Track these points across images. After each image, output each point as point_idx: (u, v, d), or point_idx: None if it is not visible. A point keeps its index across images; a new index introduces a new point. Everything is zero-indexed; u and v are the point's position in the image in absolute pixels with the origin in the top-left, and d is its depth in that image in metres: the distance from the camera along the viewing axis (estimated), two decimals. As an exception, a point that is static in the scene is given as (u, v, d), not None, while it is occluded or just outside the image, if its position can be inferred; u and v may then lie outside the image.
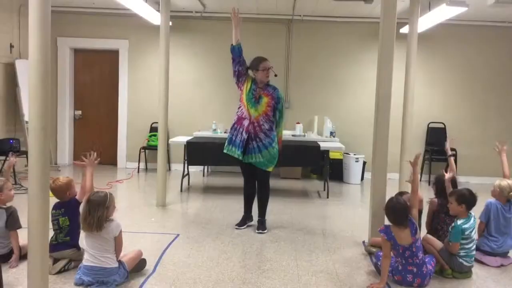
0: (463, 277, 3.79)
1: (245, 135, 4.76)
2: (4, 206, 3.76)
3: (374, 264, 3.91)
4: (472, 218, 3.87)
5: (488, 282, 3.76)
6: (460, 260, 3.79)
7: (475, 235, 3.88)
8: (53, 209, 3.63)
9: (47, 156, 2.88)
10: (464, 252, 3.79)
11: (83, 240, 3.43)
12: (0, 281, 3.10)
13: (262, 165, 4.83)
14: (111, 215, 3.44)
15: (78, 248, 3.72)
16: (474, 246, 3.88)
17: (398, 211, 3.53)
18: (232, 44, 4.81)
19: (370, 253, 4.27)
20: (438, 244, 3.92)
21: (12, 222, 3.71)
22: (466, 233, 3.78)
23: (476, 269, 3.96)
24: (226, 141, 4.93)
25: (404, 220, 3.53)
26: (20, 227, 3.74)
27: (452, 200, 3.89)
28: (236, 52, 4.80)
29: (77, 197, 3.70)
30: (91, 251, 3.35)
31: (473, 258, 3.87)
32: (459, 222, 3.80)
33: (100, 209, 3.33)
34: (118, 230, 3.42)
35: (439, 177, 4.33)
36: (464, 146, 8.26)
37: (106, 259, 3.35)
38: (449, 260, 3.81)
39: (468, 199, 3.84)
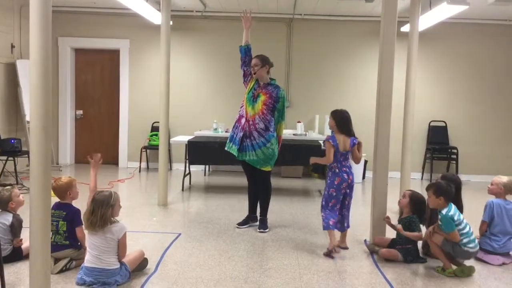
0: (466, 275, 3.78)
1: (241, 133, 4.79)
2: (13, 212, 3.77)
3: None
4: (452, 205, 3.83)
5: (490, 280, 3.76)
6: (466, 248, 3.76)
7: (464, 219, 3.83)
8: (54, 208, 3.61)
9: (48, 156, 2.88)
10: (466, 238, 3.76)
11: (87, 241, 3.44)
12: (3, 281, 3.10)
13: (256, 163, 4.82)
14: (116, 214, 3.46)
15: (78, 247, 3.72)
16: (471, 230, 3.83)
17: (347, 119, 4.32)
18: (240, 45, 4.92)
19: (372, 252, 4.27)
20: (440, 238, 3.87)
21: (16, 231, 3.73)
22: (455, 218, 3.75)
23: (478, 268, 3.96)
24: (228, 139, 4.96)
25: (350, 130, 4.31)
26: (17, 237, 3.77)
27: (430, 193, 3.87)
28: (242, 53, 4.93)
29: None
30: (94, 252, 3.35)
31: (476, 242, 3.83)
32: (444, 212, 3.77)
33: (103, 207, 3.35)
34: (122, 233, 3.43)
35: (445, 176, 4.32)
36: (465, 144, 8.26)
37: (108, 260, 3.36)
38: (454, 251, 3.78)
39: (445, 191, 3.82)
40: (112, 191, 3.49)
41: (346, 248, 4.39)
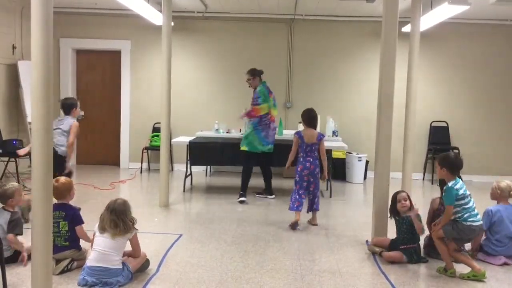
0: (479, 278, 3.72)
1: None
2: (11, 210, 3.76)
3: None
4: (460, 180, 3.80)
5: (491, 281, 3.74)
6: (468, 223, 3.71)
7: (470, 196, 3.79)
8: (53, 209, 3.59)
9: (50, 157, 2.88)
10: (467, 213, 3.72)
11: (95, 239, 3.47)
12: (4, 281, 3.11)
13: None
14: None
15: (79, 248, 3.74)
16: (474, 205, 3.79)
17: (313, 116, 5.20)
18: None
19: (373, 253, 4.27)
20: (441, 231, 3.83)
21: (14, 226, 3.69)
22: (460, 192, 3.72)
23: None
24: None
25: (315, 124, 5.23)
26: (20, 233, 3.73)
27: (436, 164, 3.90)
28: None
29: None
30: (102, 249, 3.37)
31: (478, 216, 3.78)
32: (450, 184, 3.75)
33: (130, 212, 3.54)
34: (134, 232, 3.55)
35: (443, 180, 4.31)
36: (466, 144, 8.24)
37: (113, 258, 3.38)
38: (458, 231, 3.73)
39: (448, 162, 3.79)
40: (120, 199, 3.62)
41: (316, 224, 5.15)
